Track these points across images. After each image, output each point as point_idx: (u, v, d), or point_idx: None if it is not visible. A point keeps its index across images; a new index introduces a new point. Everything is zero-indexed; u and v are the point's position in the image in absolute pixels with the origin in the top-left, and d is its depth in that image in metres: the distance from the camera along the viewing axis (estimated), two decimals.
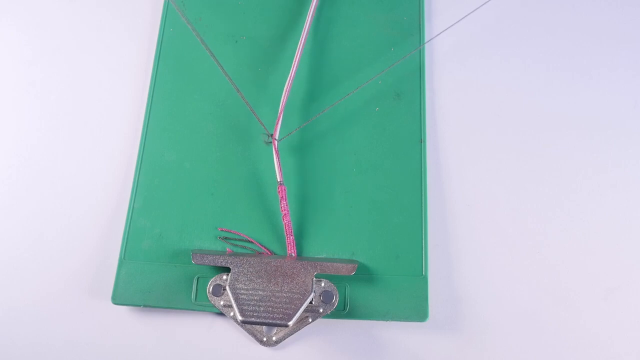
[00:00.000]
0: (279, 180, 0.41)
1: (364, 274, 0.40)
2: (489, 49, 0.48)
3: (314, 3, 0.47)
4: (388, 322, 0.39)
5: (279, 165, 0.41)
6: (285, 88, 0.43)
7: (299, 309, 0.37)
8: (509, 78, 0.47)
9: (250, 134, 0.44)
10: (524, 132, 0.45)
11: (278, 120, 0.42)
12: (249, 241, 0.41)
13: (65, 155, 0.45)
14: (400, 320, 0.39)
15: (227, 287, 0.38)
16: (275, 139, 0.42)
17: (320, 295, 0.38)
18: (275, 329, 0.39)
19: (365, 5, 0.49)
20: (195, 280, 0.40)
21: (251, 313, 0.37)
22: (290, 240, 0.40)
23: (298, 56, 0.44)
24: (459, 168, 0.44)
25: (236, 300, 0.37)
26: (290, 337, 0.38)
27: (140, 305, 0.39)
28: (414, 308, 0.39)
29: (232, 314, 0.38)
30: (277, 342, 0.38)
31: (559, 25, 0.49)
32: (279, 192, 0.41)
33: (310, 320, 0.38)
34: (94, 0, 0.50)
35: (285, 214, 0.40)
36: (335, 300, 0.38)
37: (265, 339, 0.38)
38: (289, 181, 0.42)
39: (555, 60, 0.48)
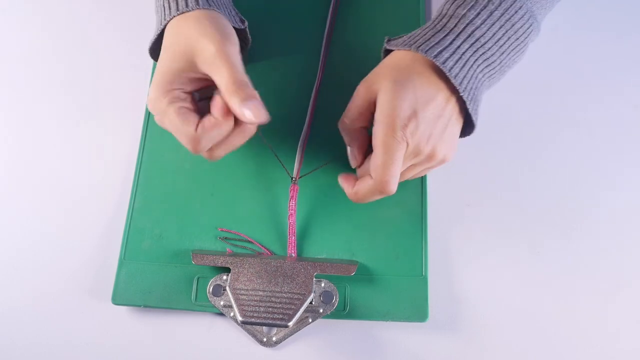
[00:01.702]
0: (293, 177, 0.41)
1: (364, 275, 0.40)
2: None
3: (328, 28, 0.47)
4: (388, 322, 0.39)
5: (300, 163, 0.42)
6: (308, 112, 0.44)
7: (299, 309, 0.37)
8: (508, 78, 0.47)
9: None
10: (523, 132, 0.45)
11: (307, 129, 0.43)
12: (249, 241, 0.41)
13: (65, 156, 0.45)
14: (400, 321, 0.39)
15: (227, 288, 0.38)
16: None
17: (320, 296, 0.39)
18: (275, 329, 0.39)
19: (365, 8, 0.48)
20: (195, 281, 0.40)
21: (251, 313, 0.37)
22: (292, 240, 0.40)
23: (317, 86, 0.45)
24: (459, 168, 0.44)
25: (236, 300, 0.37)
26: (290, 337, 0.38)
27: (140, 306, 0.39)
28: (414, 308, 0.39)
29: (232, 314, 0.38)
30: (277, 343, 0.38)
31: (560, 25, 0.49)
32: (290, 190, 0.41)
33: (310, 320, 0.38)
34: (94, 1, 0.50)
35: (291, 214, 0.40)
36: (335, 300, 0.38)
37: (265, 340, 0.38)
38: (290, 183, 0.42)
39: (553, 60, 0.48)
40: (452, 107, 0.35)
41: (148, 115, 0.45)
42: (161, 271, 0.40)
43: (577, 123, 0.46)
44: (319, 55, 0.46)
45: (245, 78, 0.34)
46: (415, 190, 0.42)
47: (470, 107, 0.35)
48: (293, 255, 0.40)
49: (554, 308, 0.40)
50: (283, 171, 0.42)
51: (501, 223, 0.42)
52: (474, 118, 0.36)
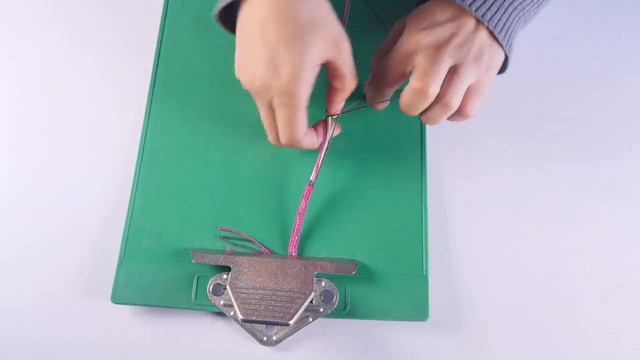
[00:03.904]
0: (311, 179, 0.41)
1: (365, 274, 0.40)
2: None
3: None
4: (388, 321, 0.39)
5: (319, 166, 0.40)
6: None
7: (299, 308, 0.37)
8: (507, 79, 0.47)
9: (250, 134, 0.44)
10: (523, 133, 0.45)
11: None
12: (249, 240, 0.41)
13: (65, 156, 0.45)
14: (400, 320, 0.39)
15: (228, 286, 0.38)
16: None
17: (320, 295, 0.38)
18: (275, 329, 0.39)
19: (364, 14, 0.48)
20: (195, 280, 0.40)
21: (252, 312, 0.37)
22: (294, 239, 0.40)
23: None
24: (459, 168, 0.44)
25: (236, 299, 0.37)
26: (291, 336, 0.38)
27: (140, 305, 0.39)
28: (415, 308, 0.39)
29: (232, 313, 0.38)
30: (277, 342, 0.38)
31: (560, 27, 0.50)
32: (305, 189, 0.40)
33: (310, 319, 0.38)
34: (94, 1, 0.50)
35: (300, 213, 0.40)
36: (336, 299, 0.38)
37: (265, 339, 0.38)
38: (290, 182, 0.42)
39: (552, 61, 0.48)
40: (476, 33, 0.36)
41: (148, 115, 0.45)
42: (161, 270, 0.40)
43: (576, 124, 0.46)
44: None
45: None
46: (415, 190, 0.42)
47: (497, 34, 0.36)
48: (293, 254, 0.40)
49: (554, 308, 0.40)
50: (284, 171, 0.42)
51: (501, 223, 0.43)
52: (502, 44, 0.37)
